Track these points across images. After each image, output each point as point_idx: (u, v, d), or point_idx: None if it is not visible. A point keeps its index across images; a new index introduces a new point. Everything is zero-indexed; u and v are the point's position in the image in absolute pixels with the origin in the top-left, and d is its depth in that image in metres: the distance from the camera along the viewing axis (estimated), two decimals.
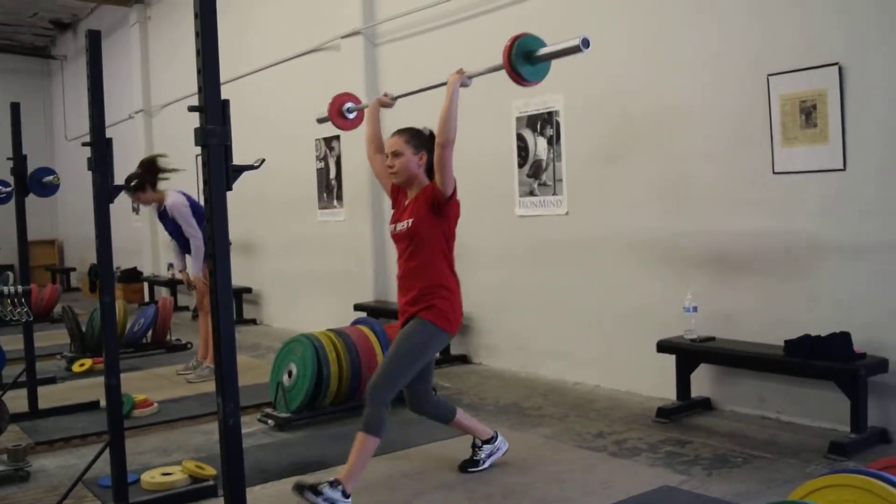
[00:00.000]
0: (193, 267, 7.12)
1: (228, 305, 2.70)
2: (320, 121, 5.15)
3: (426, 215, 4.09)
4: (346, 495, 3.83)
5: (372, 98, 8.55)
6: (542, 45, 3.58)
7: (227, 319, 2.68)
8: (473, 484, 4.30)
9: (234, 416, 2.74)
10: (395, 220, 4.28)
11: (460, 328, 7.60)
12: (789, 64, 5.11)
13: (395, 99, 4.65)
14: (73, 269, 18.27)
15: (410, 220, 4.12)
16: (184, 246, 7.29)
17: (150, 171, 7.12)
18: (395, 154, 4.18)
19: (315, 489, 3.80)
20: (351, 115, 4.88)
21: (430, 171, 4.19)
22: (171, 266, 7.45)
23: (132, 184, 6.97)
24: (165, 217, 7.15)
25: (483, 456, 4.51)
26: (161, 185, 7.17)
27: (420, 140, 4.23)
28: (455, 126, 4.01)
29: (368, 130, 4.58)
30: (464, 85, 4.15)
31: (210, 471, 4.38)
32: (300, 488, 3.84)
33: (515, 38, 3.53)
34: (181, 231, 7.10)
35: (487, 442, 4.54)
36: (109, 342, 3.87)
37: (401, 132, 4.25)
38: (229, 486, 2.75)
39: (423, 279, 4.12)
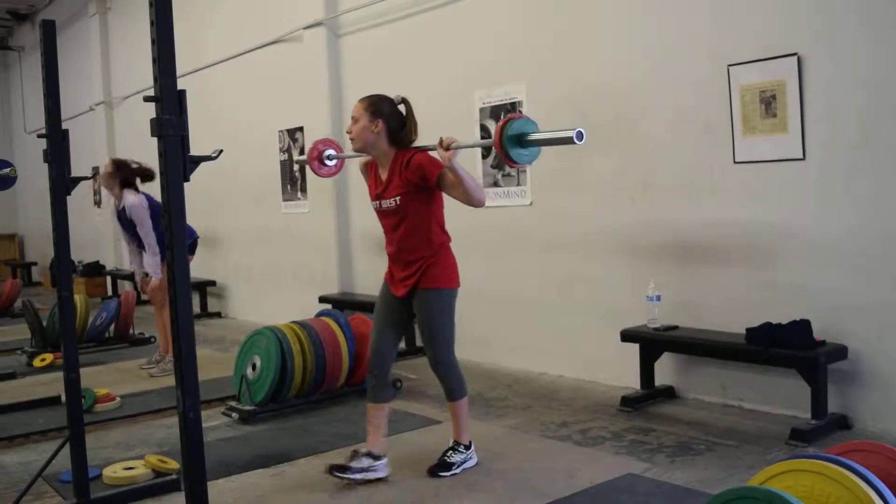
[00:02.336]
0: (150, 268, 6.98)
1: (187, 297, 2.67)
2: (298, 163, 5.04)
3: (415, 192, 4.06)
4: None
5: (335, 91, 8.57)
6: (535, 128, 3.42)
7: (185, 312, 2.66)
8: (437, 476, 4.30)
9: (193, 409, 2.71)
10: (376, 195, 4.22)
11: None
12: (749, 54, 5.15)
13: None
14: (35, 264, 18.04)
15: (398, 198, 4.09)
16: (141, 247, 7.16)
17: (130, 173, 7.02)
18: (354, 120, 4.15)
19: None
20: (331, 163, 4.64)
21: (393, 139, 4.15)
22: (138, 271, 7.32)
23: (112, 167, 6.91)
24: (123, 217, 7.01)
25: (458, 460, 4.36)
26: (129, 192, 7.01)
27: (378, 108, 4.13)
28: (478, 193, 3.95)
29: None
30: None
31: (173, 465, 4.34)
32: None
33: (508, 120, 3.37)
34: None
35: (466, 447, 4.42)
36: (68, 336, 3.81)
37: (363, 99, 4.19)
38: (190, 480, 2.72)
39: (420, 249, 4.15)
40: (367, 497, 4.03)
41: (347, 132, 4.20)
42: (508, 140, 3.36)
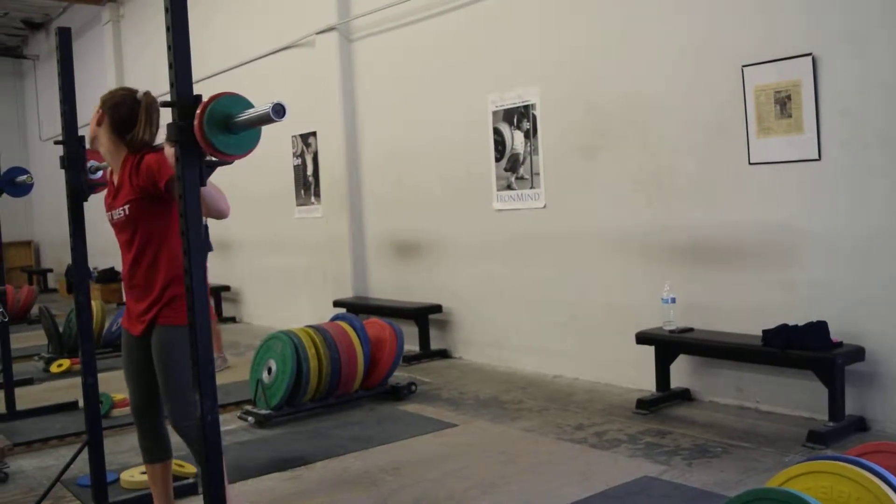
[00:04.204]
0: None
1: (204, 302, 2.67)
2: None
3: (148, 201, 3.29)
4: None
5: (348, 95, 8.58)
6: (246, 107, 2.60)
7: (202, 317, 2.66)
8: (452, 478, 4.30)
9: (212, 412, 2.72)
10: (108, 205, 3.46)
11: (439, 322, 7.66)
12: (764, 55, 5.14)
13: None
14: (50, 271, 18.13)
15: (127, 207, 3.33)
16: None
17: None
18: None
19: None
20: (95, 176, 3.95)
21: (120, 137, 3.37)
22: None
23: None
24: None
25: None
26: None
27: (105, 100, 3.43)
28: (219, 203, 3.14)
29: None
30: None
31: (190, 469, 4.35)
32: None
33: (210, 101, 2.52)
34: None
35: None
36: (85, 340, 3.83)
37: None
38: (209, 483, 2.73)
39: (159, 273, 3.34)
40: (383, 498, 4.03)
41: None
42: (211, 126, 2.55)
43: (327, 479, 4.40)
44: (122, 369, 3.55)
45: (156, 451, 3.61)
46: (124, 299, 3.52)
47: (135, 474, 4.37)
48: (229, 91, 2.60)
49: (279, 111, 2.43)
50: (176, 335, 3.27)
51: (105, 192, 3.55)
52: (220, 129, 2.58)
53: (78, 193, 3.79)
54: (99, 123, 3.39)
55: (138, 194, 3.28)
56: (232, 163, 2.75)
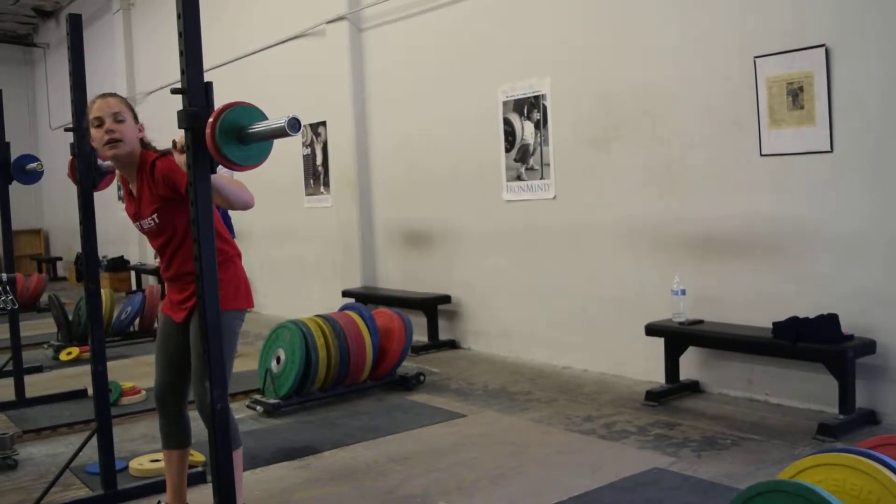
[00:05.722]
0: None
1: (214, 291, 2.67)
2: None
3: (171, 205, 3.33)
4: None
5: (358, 85, 8.57)
6: (258, 118, 2.60)
7: (212, 305, 2.66)
8: (461, 468, 4.30)
9: (222, 400, 2.72)
10: (134, 215, 3.47)
11: (448, 313, 7.65)
12: (776, 46, 5.10)
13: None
14: (60, 259, 18.19)
15: (155, 216, 3.36)
16: None
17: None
18: (118, 118, 3.32)
19: None
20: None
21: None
22: None
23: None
24: None
25: None
26: None
27: (119, 99, 3.41)
28: (243, 196, 3.15)
29: None
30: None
31: (199, 457, 4.36)
32: None
33: (222, 111, 2.53)
34: None
35: None
36: (95, 328, 3.84)
37: (114, 95, 3.41)
38: (218, 473, 2.73)
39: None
40: (393, 488, 4.03)
41: (109, 132, 3.29)
42: (224, 136, 2.53)
43: (336, 468, 4.41)
44: (154, 353, 3.58)
45: (175, 437, 3.61)
46: (164, 291, 3.49)
47: (144, 462, 4.39)
48: (243, 101, 2.59)
49: (294, 126, 2.41)
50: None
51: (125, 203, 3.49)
52: (233, 140, 2.55)
53: (88, 180, 3.79)
54: (140, 133, 3.38)
55: (161, 203, 3.32)
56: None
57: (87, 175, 3.78)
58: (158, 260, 3.53)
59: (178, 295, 3.48)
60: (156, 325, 8.75)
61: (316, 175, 9.57)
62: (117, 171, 3.60)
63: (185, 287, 3.42)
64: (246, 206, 3.16)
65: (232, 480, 2.78)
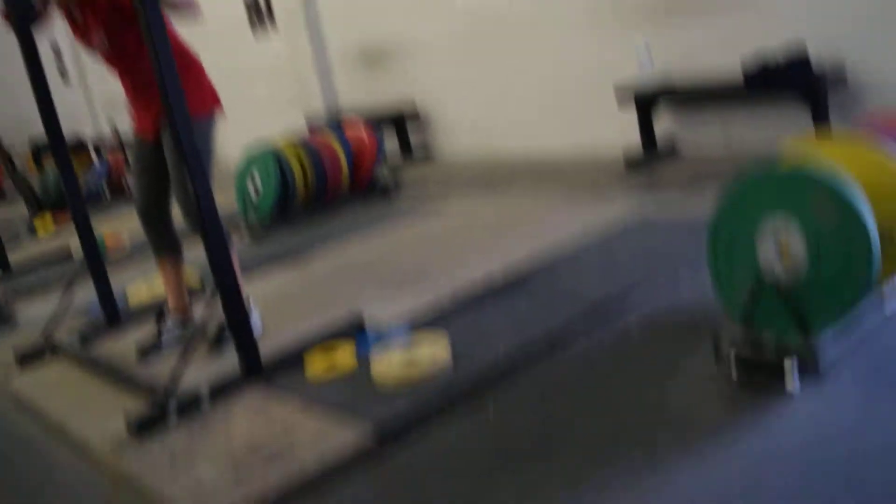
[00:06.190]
0: None
1: (178, 93, 2.67)
2: None
3: (119, 20, 3.21)
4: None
5: None
6: None
7: (178, 105, 2.64)
8: (452, 248, 4.36)
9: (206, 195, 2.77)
10: (80, 38, 3.38)
11: (418, 126, 7.57)
12: None
13: None
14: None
15: (103, 35, 3.27)
16: None
17: None
18: None
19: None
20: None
21: None
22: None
23: None
24: None
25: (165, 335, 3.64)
26: None
27: None
28: (188, 4, 3.06)
29: None
30: None
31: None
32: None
33: None
34: None
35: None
36: (69, 186, 3.94)
37: None
38: (213, 251, 2.81)
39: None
40: (390, 273, 4.08)
41: None
42: None
43: (330, 267, 4.49)
44: (131, 175, 3.55)
45: (166, 242, 3.61)
46: (132, 116, 3.52)
47: (141, 288, 4.48)
48: None
49: None
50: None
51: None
52: None
53: (24, 17, 3.55)
54: None
55: (106, 16, 3.21)
56: None
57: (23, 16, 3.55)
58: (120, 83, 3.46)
59: (142, 111, 3.46)
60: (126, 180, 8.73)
61: (258, 12, 9.24)
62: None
63: (150, 102, 3.33)
64: (193, 15, 3.08)
65: (236, 284, 2.82)
